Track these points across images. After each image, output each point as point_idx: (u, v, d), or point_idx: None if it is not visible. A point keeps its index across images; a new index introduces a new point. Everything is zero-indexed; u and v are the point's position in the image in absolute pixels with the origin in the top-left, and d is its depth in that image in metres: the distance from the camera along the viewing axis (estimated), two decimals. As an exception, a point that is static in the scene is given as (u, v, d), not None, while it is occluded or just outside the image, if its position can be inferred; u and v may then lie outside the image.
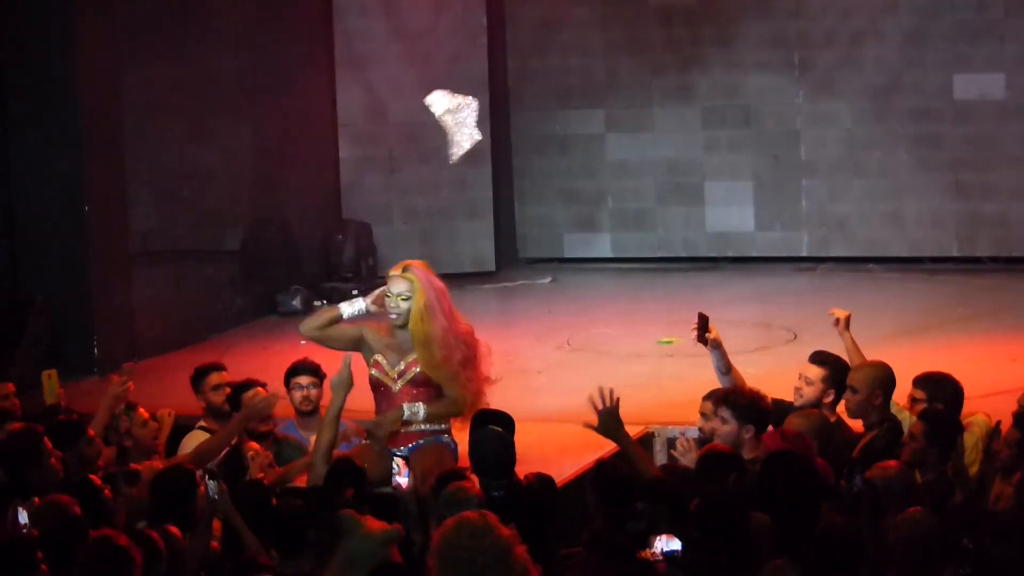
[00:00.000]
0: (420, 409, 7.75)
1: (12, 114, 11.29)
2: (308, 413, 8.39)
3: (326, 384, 8.05)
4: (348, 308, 7.84)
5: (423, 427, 7.78)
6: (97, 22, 11.45)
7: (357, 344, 7.85)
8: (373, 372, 7.84)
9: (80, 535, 5.94)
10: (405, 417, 7.73)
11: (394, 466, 7.36)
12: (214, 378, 8.41)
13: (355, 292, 13.58)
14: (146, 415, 7.99)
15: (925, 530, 5.94)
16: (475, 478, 6.69)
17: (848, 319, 8.31)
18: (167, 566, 5.97)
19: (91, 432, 7.52)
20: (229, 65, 13.07)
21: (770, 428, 7.25)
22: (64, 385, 8.80)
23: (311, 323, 7.91)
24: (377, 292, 7.89)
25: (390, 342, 7.85)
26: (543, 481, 6.69)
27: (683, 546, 5.35)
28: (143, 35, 12.07)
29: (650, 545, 5.39)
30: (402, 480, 7.35)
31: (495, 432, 7.17)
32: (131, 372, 8.25)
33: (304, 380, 8.44)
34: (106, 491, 6.62)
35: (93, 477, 6.75)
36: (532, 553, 5.05)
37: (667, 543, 5.39)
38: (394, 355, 7.83)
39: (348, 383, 7.51)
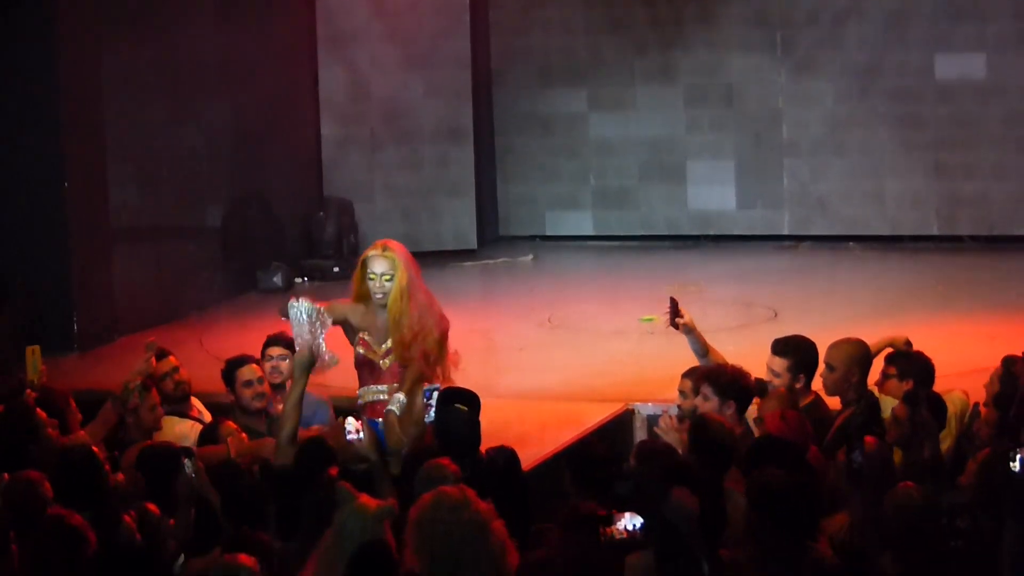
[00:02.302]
0: (398, 400, 7.75)
1: (-10, 93, 11.26)
2: (277, 386, 8.33)
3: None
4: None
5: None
6: (76, 1, 11.40)
7: (343, 322, 7.82)
8: (360, 350, 7.79)
9: (44, 512, 5.92)
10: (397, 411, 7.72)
11: (348, 425, 7.24)
12: (164, 365, 8.35)
13: (336, 269, 13.63)
14: (157, 399, 7.96)
15: (919, 505, 5.91)
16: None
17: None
18: (147, 545, 5.95)
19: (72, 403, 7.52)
20: (210, 43, 13.00)
21: (770, 411, 7.22)
22: (44, 362, 8.77)
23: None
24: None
25: (374, 320, 7.82)
26: (505, 454, 6.68)
27: (644, 523, 5.35)
28: (123, 13, 12.00)
29: (614, 522, 5.41)
30: (356, 437, 7.20)
31: (461, 410, 7.16)
32: (155, 346, 8.24)
33: (274, 351, 8.35)
34: (106, 465, 6.60)
35: (95, 449, 6.71)
36: (509, 527, 5.07)
37: (630, 520, 5.41)
38: (380, 333, 7.82)
39: (309, 362, 7.42)
